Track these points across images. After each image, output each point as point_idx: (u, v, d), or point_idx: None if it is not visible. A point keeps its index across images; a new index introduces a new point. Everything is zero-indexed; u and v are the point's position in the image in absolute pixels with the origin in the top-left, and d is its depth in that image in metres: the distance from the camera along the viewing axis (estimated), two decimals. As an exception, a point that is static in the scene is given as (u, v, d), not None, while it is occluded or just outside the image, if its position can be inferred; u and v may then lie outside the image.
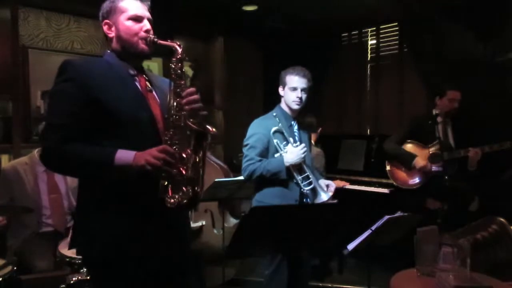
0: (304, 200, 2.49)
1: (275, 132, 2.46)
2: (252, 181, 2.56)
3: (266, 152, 2.49)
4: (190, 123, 1.48)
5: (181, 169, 1.46)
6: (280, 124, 2.48)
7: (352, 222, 1.83)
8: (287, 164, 2.39)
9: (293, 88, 2.49)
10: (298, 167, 2.44)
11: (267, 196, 2.48)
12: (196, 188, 1.48)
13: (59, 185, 3.00)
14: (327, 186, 2.51)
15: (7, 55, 3.45)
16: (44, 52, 3.67)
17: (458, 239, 2.16)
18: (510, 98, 3.81)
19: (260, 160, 2.44)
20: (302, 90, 2.49)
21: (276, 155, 2.46)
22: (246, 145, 2.51)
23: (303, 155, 2.42)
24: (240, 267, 3.80)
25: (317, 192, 2.45)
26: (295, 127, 2.59)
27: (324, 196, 2.43)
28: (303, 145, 2.46)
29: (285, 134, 2.48)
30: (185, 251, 1.69)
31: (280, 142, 2.46)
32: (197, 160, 1.48)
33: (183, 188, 1.46)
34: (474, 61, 3.97)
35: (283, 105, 2.59)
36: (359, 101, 5.20)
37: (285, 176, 2.41)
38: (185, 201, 1.46)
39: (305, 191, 2.45)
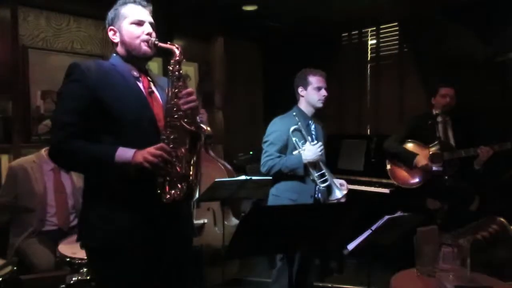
0: (317, 196, 2.59)
1: (294, 130, 2.58)
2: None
3: (285, 149, 2.61)
4: (184, 123, 1.55)
5: (177, 166, 1.54)
6: (299, 123, 2.59)
7: (352, 222, 1.83)
8: (305, 161, 2.51)
9: (318, 88, 2.63)
10: (314, 165, 2.56)
11: (284, 191, 2.60)
12: (191, 184, 1.57)
13: (65, 184, 3.02)
14: (341, 184, 2.61)
15: (7, 55, 3.45)
16: (44, 52, 3.67)
17: (458, 239, 2.15)
18: (510, 98, 3.80)
19: (279, 156, 2.56)
20: (325, 89, 2.63)
21: (295, 152, 2.56)
22: (266, 141, 2.63)
23: (320, 153, 2.54)
24: (240, 267, 3.80)
25: (332, 189, 2.54)
26: (312, 126, 2.70)
27: (338, 194, 2.53)
28: (320, 143, 2.58)
29: (303, 132, 2.59)
30: (185, 246, 1.74)
31: (298, 140, 2.57)
32: (193, 158, 1.58)
33: (179, 184, 1.54)
34: (474, 61, 3.96)
35: (301, 105, 2.71)
36: (359, 101, 5.18)
37: (302, 173, 2.52)
38: (180, 196, 1.54)
39: (321, 187, 2.55)
